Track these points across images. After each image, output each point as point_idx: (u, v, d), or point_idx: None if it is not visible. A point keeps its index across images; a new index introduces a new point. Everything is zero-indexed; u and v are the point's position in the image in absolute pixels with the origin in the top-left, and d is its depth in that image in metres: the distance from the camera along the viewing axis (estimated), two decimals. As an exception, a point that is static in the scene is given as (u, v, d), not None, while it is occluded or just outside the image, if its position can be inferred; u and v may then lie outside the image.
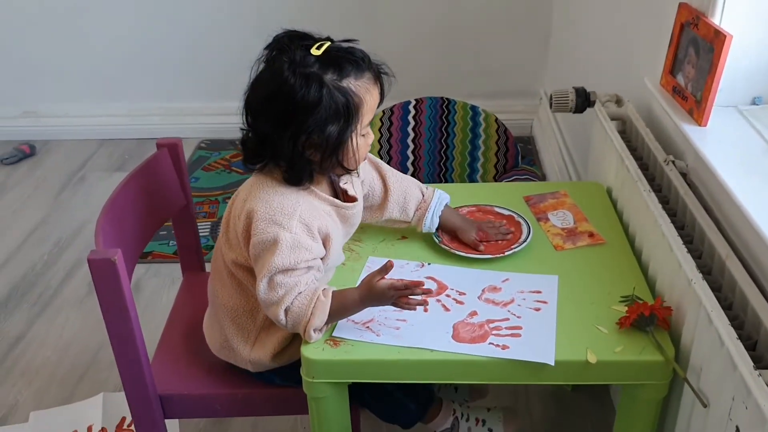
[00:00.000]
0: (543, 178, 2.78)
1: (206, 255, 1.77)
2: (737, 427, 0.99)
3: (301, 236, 1.18)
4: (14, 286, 2.34)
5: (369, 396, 1.36)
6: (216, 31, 3.08)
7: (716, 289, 1.14)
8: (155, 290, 2.29)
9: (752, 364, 0.94)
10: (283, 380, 1.34)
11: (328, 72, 1.14)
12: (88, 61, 3.15)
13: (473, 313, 1.23)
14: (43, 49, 3.13)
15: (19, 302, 2.26)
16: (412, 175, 2.13)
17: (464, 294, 1.28)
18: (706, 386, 1.09)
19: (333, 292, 1.20)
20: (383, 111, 2.13)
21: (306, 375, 1.20)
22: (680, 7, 1.38)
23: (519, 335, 1.18)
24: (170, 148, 1.52)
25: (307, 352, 1.18)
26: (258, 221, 1.19)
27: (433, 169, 2.11)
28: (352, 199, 1.32)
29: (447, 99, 2.11)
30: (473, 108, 2.10)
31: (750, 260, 1.14)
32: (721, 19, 1.28)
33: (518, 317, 1.22)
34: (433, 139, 2.10)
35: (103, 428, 1.77)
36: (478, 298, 1.28)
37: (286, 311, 1.18)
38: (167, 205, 1.55)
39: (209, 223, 2.60)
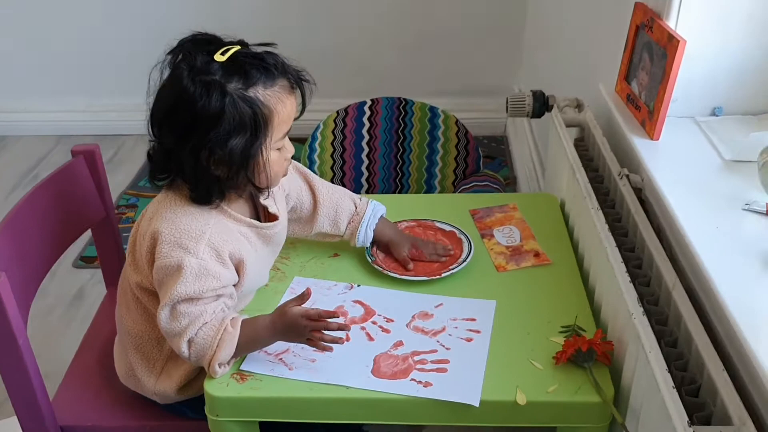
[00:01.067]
0: (512, 181, 2.67)
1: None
2: (672, 483, 0.88)
3: (209, 262, 1.07)
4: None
5: (285, 432, 1.25)
6: (177, 27, 2.94)
7: (662, 322, 1.03)
8: (100, 297, 2.17)
9: (687, 419, 0.83)
10: (194, 413, 1.23)
11: (233, 80, 1.03)
12: (47, 55, 3.02)
13: (398, 344, 1.13)
14: (1, 43, 3.01)
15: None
16: (367, 180, 2.02)
17: (392, 321, 1.17)
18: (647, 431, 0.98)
19: (243, 321, 1.09)
20: (337, 112, 2.01)
21: (210, 413, 1.09)
22: (636, 7, 1.27)
23: (445, 370, 1.08)
24: (86, 155, 1.41)
25: (210, 388, 1.07)
26: (162, 244, 1.08)
27: (389, 174, 2.00)
28: (274, 218, 1.21)
29: (404, 99, 1.99)
30: (432, 109, 1.98)
31: (699, 291, 1.03)
32: (676, 22, 1.16)
33: (447, 349, 1.12)
34: (389, 142, 1.98)
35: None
36: (407, 325, 1.17)
37: (190, 343, 1.07)
38: (83, 216, 1.43)
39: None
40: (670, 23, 1.17)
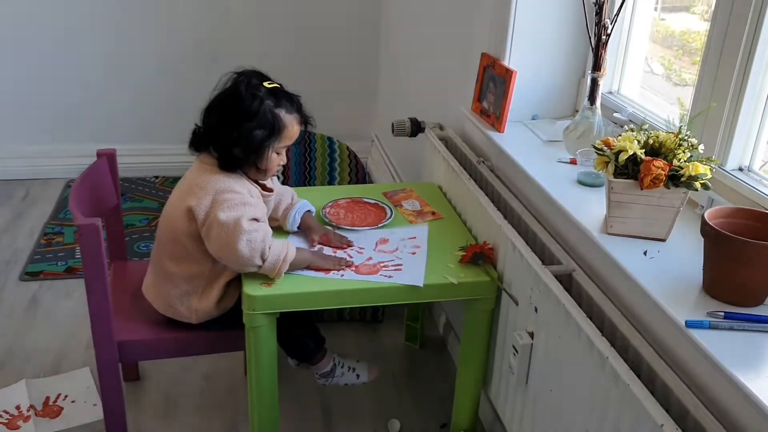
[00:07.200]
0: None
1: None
2: (536, 307, 1.57)
3: (251, 199, 1.65)
4: None
5: (280, 335, 1.79)
6: (80, 79, 3.38)
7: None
8: (53, 302, 2.53)
9: (540, 262, 1.55)
10: (217, 327, 1.75)
11: (270, 100, 1.63)
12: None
13: (369, 258, 1.75)
14: None
15: None
16: (283, 191, 2.61)
17: (363, 248, 1.80)
18: (515, 292, 1.68)
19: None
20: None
21: (247, 309, 1.63)
22: (483, 55, 2.05)
23: (401, 269, 1.72)
24: (108, 157, 1.90)
25: (249, 290, 1.62)
26: (223, 193, 1.61)
27: (299, 186, 2.61)
28: (270, 190, 1.80)
29: (308, 132, 2.63)
30: (329, 139, 2.65)
31: (536, 214, 1.77)
32: (509, 61, 1.95)
33: (400, 259, 1.76)
34: (299, 163, 2.60)
35: (31, 405, 2.02)
36: (374, 249, 1.80)
37: (269, 251, 1.59)
38: (105, 201, 1.90)
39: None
40: (506, 62, 1.95)
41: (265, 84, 1.64)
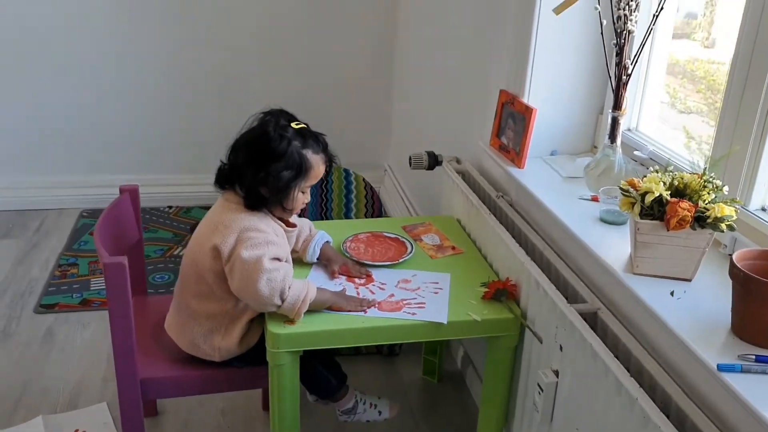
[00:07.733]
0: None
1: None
2: (561, 345, 1.57)
3: (276, 237, 1.65)
4: None
5: (302, 372, 1.79)
6: (93, 109, 3.41)
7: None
8: (69, 334, 2.53)
9: (565, 300, 1.55)
10: (240, 363, 1.75)
11: (297, 140, 1.65)
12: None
13: (391, 295, 1.75)
14: None
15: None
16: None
17: (385, 284, 1.80)
18: (539, 330, 1.68)
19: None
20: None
21: (271, 347, 1.63)
22: (501, 92, 2.07)
23: (423, 306, 1.71)
24: (131, 192, 1.91)
25: (273, 328, 1.62)
26: (248, 231, 1.62)
27: (316, 219, 2.62)
28: (293, 225, 1.81)
29: (324, 163, 2.65)
30: (346, 170, 2.66)
31: (558, 250, 1.78)
32: (528, 98, 1.96)
33: (423, 297, 1.76)
34: (315, 194, 2.62)
35: (49, 443, 2.02)
36: (395, 286, 1.80)
37: (289, 289, 1.60)
38: (127, 237, 1.91)
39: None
40: (525, 99, 1.97)
41: (293, 124, 1.66)
